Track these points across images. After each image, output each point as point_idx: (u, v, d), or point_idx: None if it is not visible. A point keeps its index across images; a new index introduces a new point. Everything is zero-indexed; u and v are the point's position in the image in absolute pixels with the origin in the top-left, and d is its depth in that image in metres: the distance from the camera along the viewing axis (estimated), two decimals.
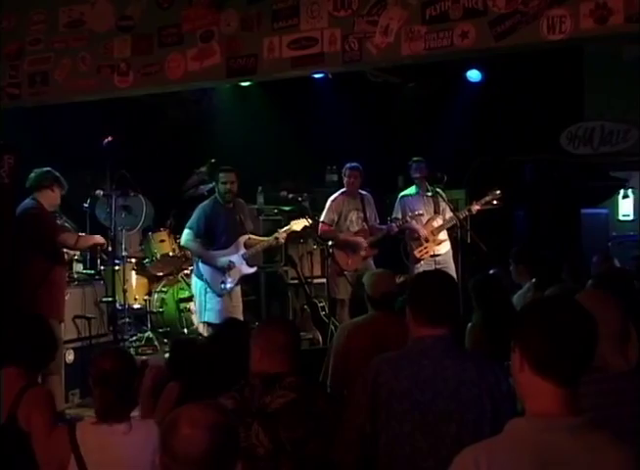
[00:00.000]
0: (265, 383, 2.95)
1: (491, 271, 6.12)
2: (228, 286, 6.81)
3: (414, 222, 7.79)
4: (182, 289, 8.00)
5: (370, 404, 2.84)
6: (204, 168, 8.29)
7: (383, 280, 4.57)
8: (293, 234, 7.29)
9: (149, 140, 9.21)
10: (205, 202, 6.94)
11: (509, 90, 9.26)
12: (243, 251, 6.93)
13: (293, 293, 8.82)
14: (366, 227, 7.79)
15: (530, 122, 9.17)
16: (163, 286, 8.10)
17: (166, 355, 4.48)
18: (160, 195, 8.35)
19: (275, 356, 2.99)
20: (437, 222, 7.86)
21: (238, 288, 7.03)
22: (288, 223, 7.29)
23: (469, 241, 7.49)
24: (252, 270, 7.08)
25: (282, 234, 7.05)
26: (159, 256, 8.06)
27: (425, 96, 9.98)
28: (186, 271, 8.02)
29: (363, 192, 7.83)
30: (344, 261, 7.63)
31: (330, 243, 7.65)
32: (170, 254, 8.03)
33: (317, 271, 8.77)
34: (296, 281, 8.49)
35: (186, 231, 6.86)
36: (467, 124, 9.43)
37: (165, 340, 7.76)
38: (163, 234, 8.11)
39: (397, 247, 8.08)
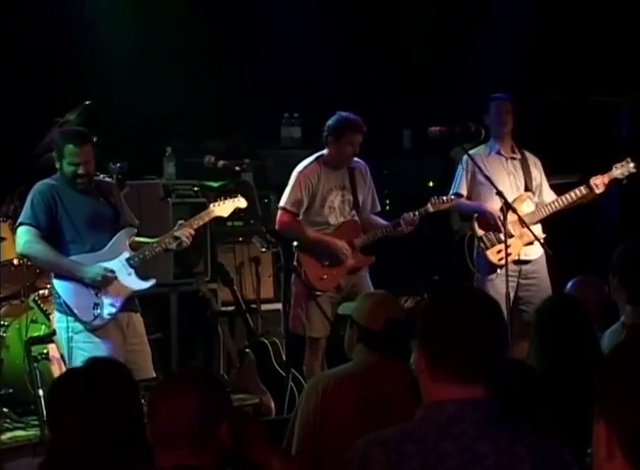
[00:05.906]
0: None
1: (569, 287, 6.19)
2: (106, 312, 6.71)
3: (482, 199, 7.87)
4: (35, 322, 7.89)
5: None
6: (72, 116, 8.20)
7: (384, 303, 4.64)
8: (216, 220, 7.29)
9: None
10: (46, 180, 6.87)
11: None
12: (128, 253, 6.88)
13: (225, 327, 8.75)
14: (357, 218, 7.87)
15: (629, 41, 9.31)
16: (3, 318, 8.02)
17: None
18: None
19: (169, 442, 3.04)
20: (528, 206, 7.92)
21: (137, 317, 6.97)
22: None
23: None
24: (147, 285, 7.00)
25: (193, 223, 6.94)
26: None
27: None
28: (43, 291, 7.94)
29: (356, 159, 7.88)
30: (316, 275, 7.68)
31: (294, 244, 7.68)
32: (15, 262, 7.97)
33: (268, 291, 8.86)
34: (231, 307, 8.57)
35: (22, 230, 6.83)
36: (522, 42, 9.56)
37: (6, 409, 7.71)
38: (3, 228, 8.04)
39: (407, 250, 8.29)
